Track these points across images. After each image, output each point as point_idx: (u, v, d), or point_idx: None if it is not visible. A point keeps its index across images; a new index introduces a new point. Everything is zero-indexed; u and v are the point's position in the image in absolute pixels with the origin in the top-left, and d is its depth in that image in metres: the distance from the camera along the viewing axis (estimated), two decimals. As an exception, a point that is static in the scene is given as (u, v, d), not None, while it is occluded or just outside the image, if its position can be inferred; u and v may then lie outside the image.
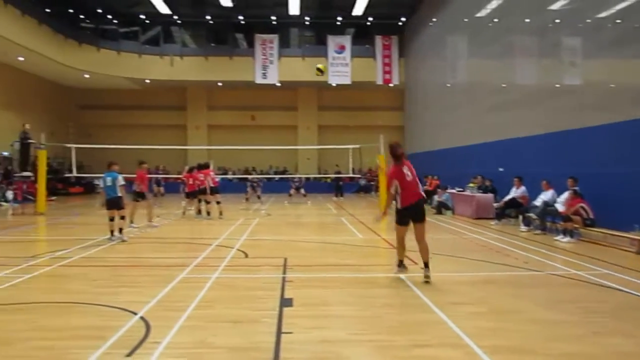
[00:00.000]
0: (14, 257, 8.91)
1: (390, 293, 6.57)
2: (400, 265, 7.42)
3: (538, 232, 12.33)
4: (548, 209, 12.24)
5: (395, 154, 7.08)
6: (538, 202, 12.77)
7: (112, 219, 11.07)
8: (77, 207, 20.95)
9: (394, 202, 7.07)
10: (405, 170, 7.00)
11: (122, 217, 11.30)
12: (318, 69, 20.04)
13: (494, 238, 11.56)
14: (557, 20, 13.92)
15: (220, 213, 16.23)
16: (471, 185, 17.02)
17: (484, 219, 15.40)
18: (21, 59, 25.46)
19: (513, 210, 14.23)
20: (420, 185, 7.10)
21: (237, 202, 22.62)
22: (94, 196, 27.73)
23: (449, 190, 18.32)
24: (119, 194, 11.15)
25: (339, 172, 28.20)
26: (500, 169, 16.52)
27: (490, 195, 15.95)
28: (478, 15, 19.18)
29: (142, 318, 5.35)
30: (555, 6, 14.06)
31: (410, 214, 7.01)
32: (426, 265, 7.05)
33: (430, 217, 16.36)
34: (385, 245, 10.64)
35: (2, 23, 21.72)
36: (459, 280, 7.30)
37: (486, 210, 15.68)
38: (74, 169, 20.40)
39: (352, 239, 11.58)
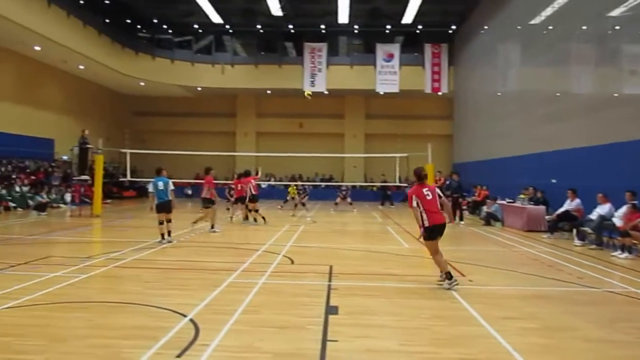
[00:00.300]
0: (71, 257, 9.30)
1: (437, 305, 6.48)
2: (450, 277, 7.35)
3: (593, 247, 11.87)
4: (605, 223, 11.77)
5: (419, 175, 7.76)
6: (594, 215, 12.30)
7: (161, 222, 11.47)
8: (130, 210, 21.65)
9: (422, 219, 7.58)
10: (425, 191, 7.61)
11: (169, 221, 11.67)
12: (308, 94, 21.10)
13: (545, 252, 11.22)
14: (617, 27, 13.44)
15: (264, 219, 16.39)
16: (522, 196, 16.58)
17: (535, 231, 14.96)
18: (82, 67, 26.62)
19: (567, 223, 13.77)
20: (439, 206, 7.63)
21: (280, 208, 22.80)
22: (145, 200, 28.59)
23: (499, 202, 17.91)
24: (169, 198, 11.54)
25: (384, 181, 28.05)
26: (553, 181, 16.03)
27: (542, 208, 15.50)
28: (532, 22, 18.75)
29: (191, 320, 5.49)
30: (614, 13, 13.58)
31: (438, 230, 7.58)
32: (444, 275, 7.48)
33: (478, 229, 16.06)
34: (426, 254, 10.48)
35: (65, 33, 22.79)
36: (509, 294, 7.12)
37: (537, 222, 15.23)
38: (128, 173, 21.10)
39: (397, 248, 11.48)
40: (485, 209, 18.30)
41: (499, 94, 22.51)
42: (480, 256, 10.48)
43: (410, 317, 5.83)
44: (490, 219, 17.35)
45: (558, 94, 16.58)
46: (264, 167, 33.51)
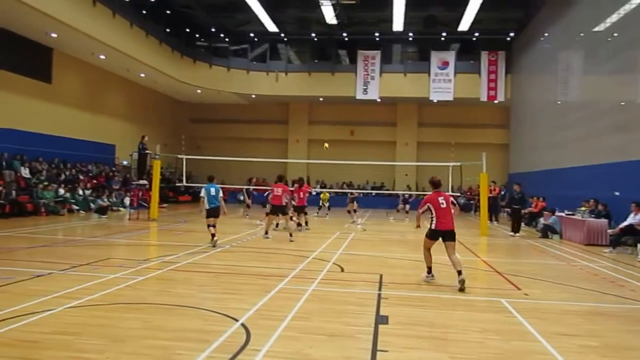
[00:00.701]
0: (129, 260, 9.65)
1: (491, 318, 6.31)
2: (429, 272, 8.59)
3: (659, 263, 11.28)
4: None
5: (434, 183, 8.59)
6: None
7: (211, 226, 11.98)
8: (185, 214, 22.22)
9: (431, 221, 8.35)
10: (441, 199, 8.30)
11: (214, 225, 12.08)
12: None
13: (607, 267, 10.74)
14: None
15: (300, 224, 16.47)
16: (582, 208, 15.94)
17: (595, 245, 14.35)
18: (142, 75, 27.68)
19: (630, 237, 13.13)
20: (453, 216, 8.37)
21: (339, 216, 22.84)
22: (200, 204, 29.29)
23: (557, 213, 17.29)
24: (219, 204, 12.15)
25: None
26: (616, 193, 15.33)
27: (603, 221, 14.84)
28: (595, 29, 18.07)
29: (242, 325, 5.57)
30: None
31: (441, 235, 8.33)
32: (459, 272, 7.97)
33: (535, 241, 15.55)
34: (485, 267, 10.25)
35: (129, 43, 23.78)
36: (567, 309, 6.86)
37: (599, 236, 14.61)
38: (184, 178, 21.69)
39: (449, 259, 11.24)
40: (542, 220, 17.71)
41: (559, 102, 21.79)
42: (536, 269, 10.15)
43: (462, 330, 5.71)
44: (547, 232, 16.77)
45: (623, 103, 15.89)
46: (314, 174, 33.93)
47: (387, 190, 31.63)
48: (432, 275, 8.60)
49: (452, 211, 8.33)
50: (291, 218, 16.23)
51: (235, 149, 32.10)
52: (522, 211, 17.83)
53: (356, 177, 33.41)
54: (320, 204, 23.32)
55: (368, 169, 31.67)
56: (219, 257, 10.47)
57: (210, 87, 30.88)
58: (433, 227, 8.28)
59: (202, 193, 12.19)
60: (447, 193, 8.72)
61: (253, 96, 32.70)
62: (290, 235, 13.57)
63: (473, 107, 32.29)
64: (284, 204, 14.12)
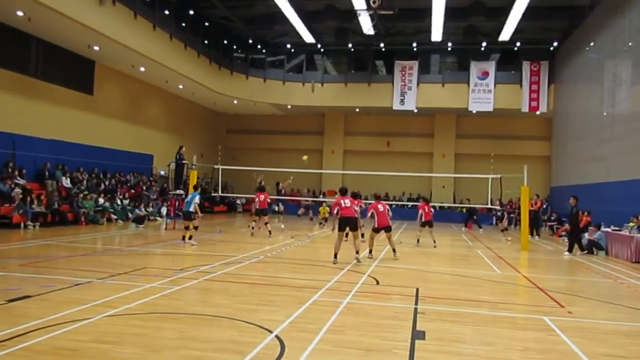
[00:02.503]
0: (166, 269, 9.82)
1: (532, 336, 6.15)
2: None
3: None
4: None
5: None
6: None
7: (186, 228, 14.51)
8: (221, 224, 22.48)
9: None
10: (380, 206, 12.74)
11: (186, 227, 14.43)
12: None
13: (657, 285, 10.33)
14: None
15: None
16: (630, 224, 15.41)
17: (644, 263, 13.85)
18: (181, 87, 28.30)
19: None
20: (387, 215, 12.67)
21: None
22: (235, 215, 29.62)
23: (603, 229, 16.75)
24: (189, 209, 14.46)
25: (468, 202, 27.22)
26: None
27: (653, 237, 14.30)
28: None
29: (277, 337, 5.58)
30: None
31: (381, 229, 12.61)
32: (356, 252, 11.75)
33: (580, 257, 15.11)
34: (526, 283, 10.01)
35: (169, 55, 24.40)
36: (614, 329, 6.62)
37: (648, 253, 14.08)
38: (220, 189, 21.97)
39: (489, 274, 11.06)
40: (587, 236, 17.19)
41: (605, 114, 21.20)
42: (581, 286, 9.86)
43: (503, 348, 5.57)
44: (592, 248, 16.26)
45: (673, 114, 15.34)
46: (350, 185, 33.77)
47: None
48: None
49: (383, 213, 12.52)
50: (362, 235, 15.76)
51: (271, 159, 32.36)
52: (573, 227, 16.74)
53: (392, 189, 33.20)
54: (320, 219, 22.79)
55: (404, 181, 31.45)
56: (254, 267, 10.55)
57: (247, 98, 31.32)
58: (376, 225, 12.71)
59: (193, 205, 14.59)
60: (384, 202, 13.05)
61: (289, 107, 33.00)
62: (357, 253, 11.89)
63: (514, 118, 31.78)
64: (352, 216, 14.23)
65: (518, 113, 29.58)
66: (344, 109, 33.59)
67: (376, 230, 12.83)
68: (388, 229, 12.81)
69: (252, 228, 17.70)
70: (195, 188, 15.71)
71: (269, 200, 17.96)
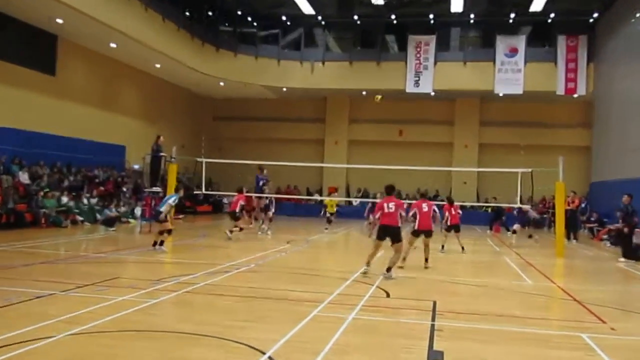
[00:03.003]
0: (140, 280, 9.82)
1: (569, 356, 6.15)
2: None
3: None
4: None
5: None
6: None
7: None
8: (205, 227, 22.51)
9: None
10: (424, 206, 12.97)
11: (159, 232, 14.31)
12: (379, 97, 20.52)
13: None
14: None
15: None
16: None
17: (700, 271, 13.85)
18: (158, 66, 28.28)
19: None
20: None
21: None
22: (221, 216, 29.60)
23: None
24: (160, 209, 14.53)
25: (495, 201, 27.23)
26: None
27: None
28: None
29: (270, 358, 5.59)
30: None
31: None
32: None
33: (625, 265, 15.09)
34: (562, 295, 10.01)
35: (144, 29, 24.37)
36: (664, 349, 6.63)
37: None
38: (203, 185, 21.93)
39: (518, 284, 11.09)
40: (634, 239, 17.15)
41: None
42: (626, 299, 9.87)
43: (533, 372, 5.58)
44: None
45: None
46: (356, 181, 33.88)
47: (442, 200, 31.28)
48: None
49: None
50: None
51: (263, 151, 32.34)
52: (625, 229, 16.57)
53: (405, 185, 33.07)
54: (326, 213, 22.65)
55: (419, 176, 31.37)
56: (244, 278, 10.55)
57: (235, 79, 31.29)
58: (416, 227, 12.94)
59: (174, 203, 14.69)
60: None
61: (284, 90, 32.97)
62: (389, 270, 11.12)
63: (547, 103, 31.73)
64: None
65: (552, 96, 29.52)
66: (348, 92, 33.55)
67: (415, 234, 13.02)
68: (429, 234, 12.99)
69: (231, 232, 17.58)
70: (176, 190, 15.77)
71: (242, 203, 17.95)
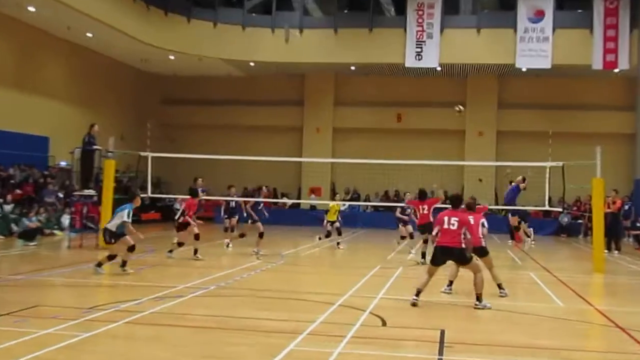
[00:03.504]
0: (69, 308, 9.72)
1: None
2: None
3: None
4: None
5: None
6: None
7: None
8: (152, 240, 22.31)
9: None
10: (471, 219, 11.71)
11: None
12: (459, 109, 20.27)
13: None
14: None
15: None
16: None
17: None
18: (90, 35, 28.02)
19: None
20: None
21: (376, 241, 22.70)
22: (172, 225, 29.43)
23: None
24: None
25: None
26: None
27: None
28: None
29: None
30: None
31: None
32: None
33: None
34: (601, 319, 10.08)
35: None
36: None
37: None
38: (149, 187, 21.74)
39: (547, 307, 11.16)
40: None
41: None
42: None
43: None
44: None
45: None
46: (343, 179, 33.84)
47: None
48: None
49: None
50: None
51: (227, 142, 32.26)
52: None
53: (406, 183, 32.97)
54: (325, 223, 21.60)
55: (422, 171, 31.37)
56: (201, 303, 10.49)
57: (190, 52, 31.11)
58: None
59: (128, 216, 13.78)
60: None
61: (252, 65, 32.85)
62: (479, 299, 10.98)
63: (581, 79, 31.98)
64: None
65: (588, 71, 29.70)
66: (333, 67, 33.51)
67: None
68: (483, 252, 12.12)
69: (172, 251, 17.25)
70: (130, 199, 14.83)
71: (178, 207, 17.97)
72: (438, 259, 11.04)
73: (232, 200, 20.30)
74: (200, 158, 24.01)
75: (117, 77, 33.50)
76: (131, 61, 33.16)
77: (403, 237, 19.66)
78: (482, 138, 33.87)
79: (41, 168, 26.96)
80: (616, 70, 29.44)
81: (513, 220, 20.63)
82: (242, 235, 18.23)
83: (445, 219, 10.95)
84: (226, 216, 20.78)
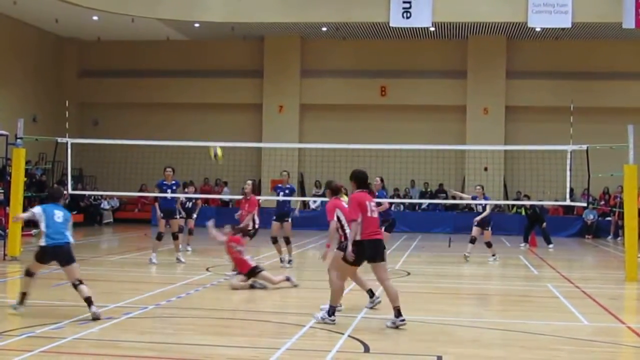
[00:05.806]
0: (-33, 334, 9.65)
1: None
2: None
3: None
4: None
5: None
6: None
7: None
8: (77, 248, 22.21)
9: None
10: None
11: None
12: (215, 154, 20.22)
13: None
14: None
15: None
16: None
17: None
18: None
19: None
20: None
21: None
22: (101, 229, 29.28)
23: None
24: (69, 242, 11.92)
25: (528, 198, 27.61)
26: None
27: None
28: None
29: None
30: None
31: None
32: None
33: None
34: (634, 339, 10.21)
35: None
36: None
37: None
38: (69, 181, 21.63)
39: (569, 327, 11.26)
40: None
41: None
42: None
43: None
44: None
45: None
46: (313, 170, 33.82)
47: (446, 198, 31.58)
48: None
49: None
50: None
51: (166, 125, 32.15)
52: None
53: (392, 175, 33.12)
54: None
55: (413, 160, 31.50)
56: (135, 327, 10.46)
57: (115, 10, 30.87)
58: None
59: (40, 217, 11.61)
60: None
61: (196, 26, 32.76)
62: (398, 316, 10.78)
63: (607, 42, 32.31)
64: None
65: (617, 31, 30.01)
66: (300, 28, 33.48)
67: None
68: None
69: None
70: (54, 198, 12.59)
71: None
72: (367, 254, 10.82)
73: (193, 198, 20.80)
74: (131, 144, 23.88)
75: (26, 45, 33.19)
76: (43, 24, 32.82)
77: None
78: (487, 116, 33.99)
79: None
80: (652, 30, 29.83)
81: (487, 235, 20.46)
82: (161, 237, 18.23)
83: (367, 204, 10.73)
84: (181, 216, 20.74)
